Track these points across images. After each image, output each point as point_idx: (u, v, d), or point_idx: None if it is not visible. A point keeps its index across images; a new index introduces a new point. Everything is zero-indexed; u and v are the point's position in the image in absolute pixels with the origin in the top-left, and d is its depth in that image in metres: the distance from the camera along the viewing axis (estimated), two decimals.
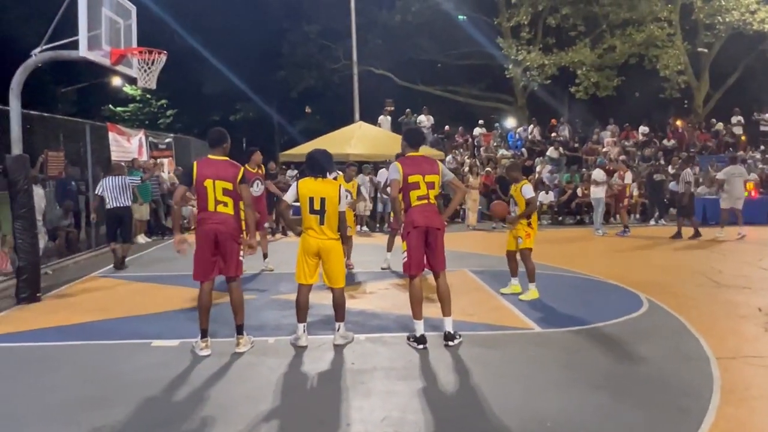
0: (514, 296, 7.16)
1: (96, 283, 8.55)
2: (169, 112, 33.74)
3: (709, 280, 8.28)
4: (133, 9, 8.17)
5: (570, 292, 7.60)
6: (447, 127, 23.26)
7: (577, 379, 4.57)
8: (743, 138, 21.14)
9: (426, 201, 5.35)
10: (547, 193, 16.45)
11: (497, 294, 7.38)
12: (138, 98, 33.19)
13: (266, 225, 10.12)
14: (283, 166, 17.63)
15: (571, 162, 19.56)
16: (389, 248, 9.34)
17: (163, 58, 7.86)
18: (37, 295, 7.31)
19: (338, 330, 5.45)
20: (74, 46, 7.00)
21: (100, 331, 5.93)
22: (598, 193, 13.73)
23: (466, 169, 16.98)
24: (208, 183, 5.10)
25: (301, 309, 5.37)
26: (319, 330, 5.75)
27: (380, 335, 5.70)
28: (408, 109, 22.56)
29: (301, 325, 5.39)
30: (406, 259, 5.38)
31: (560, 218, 16.35)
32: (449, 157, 19.07)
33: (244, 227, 5.41)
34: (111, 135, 12.77)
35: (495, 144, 21.66)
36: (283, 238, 13.07)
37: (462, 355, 5.14)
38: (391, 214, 10.94)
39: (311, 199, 5.23)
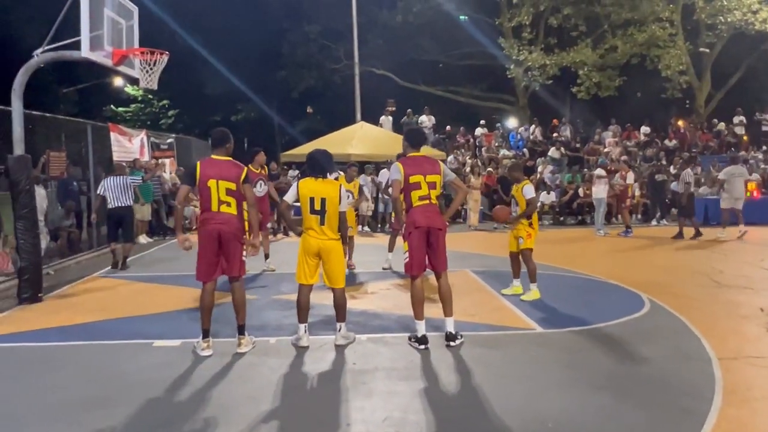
0: (516, 297, 7.16)
1: (98, 283, 8.56)
2: (170, 113, 33.80)
3: (711, 280, 8.27)
4: (135, 9, 8.18)
5: (571, 292, 7.60)
6: (448, 128, 23.27)
7: (579, 379, 4.57)
8: (745, 138, 21.12)
9: (427, 201, 5.35)
10: (548, 193, 16.45)
11: (499, 294, 7.38)
12: (139, 99, 33.26)
13: (269, 225, 10.14)
14: (285, 167, 17.65)
15: (572, 162, 19.55)
16: (390, 248, 9.35)
17: (165, 58, 7.87)
18: (39, 295, 7.31)
19: (339, 330, 5.46)
20: (76, 46, 7.01)
21: (101, 332, 5.94)
22: (599, 193, 13.72)
23: (468, 169, 16.97)
24: (212, 183, 5.11)
25: (302, 309, 5.37)
26: (320, 330, 5.75)
27: (382, 335, 5.70)
28: (409, 110, 22.56)
29: (302, 326, 5.39)
30: (407, 259, 5.38)
31: (562, 218, 16.34)
32: (451, 158, 19.07)
33: (247, 227, 5.42)
34: (113, 135, 12.79)
35: (496, 144, 21.65)
36: (285, 238, 13.07)
37: (463, 355, 5.14)
38: (392, 214, 10.96)
39: (312, 200, 5.23)
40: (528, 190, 7.08)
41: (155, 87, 8.17)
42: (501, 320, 6.25)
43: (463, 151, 20.63)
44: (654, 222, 15.61)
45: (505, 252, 7.64)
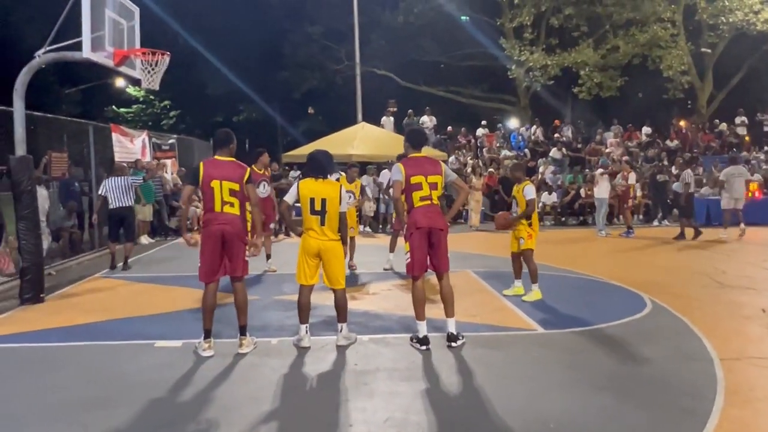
0: (517, 297, 7.16)
1: (99, 283, 8.56)
2: (172, 113, 33.80)
3: (713, 280, 8.26)
4: (136, 10, 8.20)
5: (573, 293, 7.59)
6: (450, 128, 23.26)
7: (581, 380, 4.56)
8: (747, 138, 21.10)
9: (429, 202, 5.35)
10: (550, 193, 16.43)
11: (500, 295, 7.37)
12: (141, 99, 33.27)
13: (271, 226, 10.15)
14: (286, 167, 17.65)
15: (574, 163, 19.53)
16: (392, 249, 9.35)
17: (167, 59, 7.87)
18: (41, 295, 7.32)
19: (341, 331, 5.46)
20: (78, 47, 7.02)
21: (103, 332, 5.94)
22: (601, 193, 13.71)
23: (469, 169, 16.96)
24: (215, 184, 5.12)
25: (303, 310, 5.37)
26: (321, 331, 5.75)
27: (383, 336, 5.70)
28: (410, 110, 22.56)
29: (303, 326, 5.39)
30: (408, 260, 5.38)
31: (563, 219, 16.33)
32: (452, 158, 19.06)
33: (249, 228, 5.42)
34: (114, 136, 12.81)
35: (498, 145, 21.65)
36: (286, 238, 13.07)
37: (465, 356, 5.13)
38: (394, 214, 10.96)
39: (312, 200, 5.23)
40: (528, 190, 7.08)
41: (157, 87, 8.18)
42: (502, 321, 6.25)
43: (464, 151, 20.62)
44: (656, 222, 15.60)
45: (506, 252, 7.64)
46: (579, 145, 21.14)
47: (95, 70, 22.91)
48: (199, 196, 5.46)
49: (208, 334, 5.22)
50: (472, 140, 22.09)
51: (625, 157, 17.89)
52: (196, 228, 11.70)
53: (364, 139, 16.69)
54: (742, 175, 13.16)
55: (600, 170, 14.08)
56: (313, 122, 32.14)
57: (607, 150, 19.76)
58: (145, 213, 12.72)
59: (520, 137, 22.08)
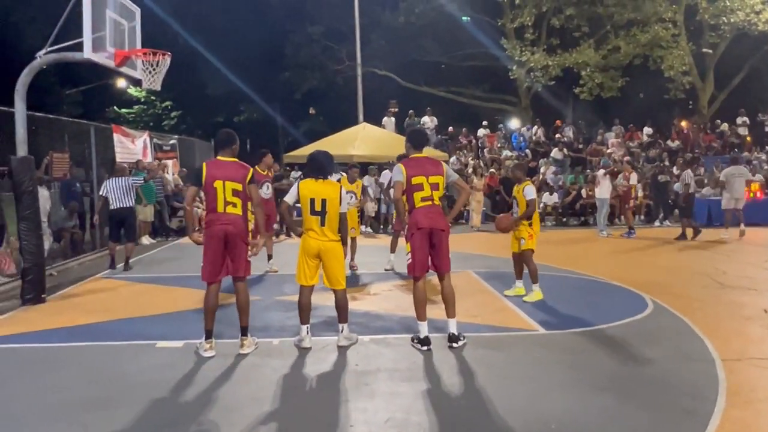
0: (518, 298, 7.15)
1: (100, 284, 8.57)
2: (173, 114, 33.82)
3: (714, 281, 8.25)
4: (138, 11, 8.20)
5: (574, 293, 7.58)
6: (451, 129, 23.25)
7: (582, 380, 4.56)
8: (748, 139, 21.08)
9: (430, 202, 5.34)
10: (551, 194, 16.42)
11: (501, 295, 7.37)
12: (142, 100, 33.30)
13: (275, 226, 10.16)
14: (287, 168, 17.65)
15: (575, 163, 19.52)
16: (392, 249, 9.35)
17: (168, 59, 7.88)
18: (42, 296, 7.33)
19: (342, 331, 5.46)
20: (79, 47, 7.03)
21: (104, 332, 5.95)
22: (602, 194, 13.71)
23: (470, 170, 16.97)
24: (218, 184, 5.13)
25: (304, 310, 5.37)
26: (322, 331, 5.75)
27: (384, 337, 5.70)
28: (411, 111, 22.55)
29: (304, 327, 5.39)
30: (409, 260, 5.38)
31: (564, 219, 16.31)
32: (453, 158, 19.06)
33: (250, 228, 5.42)
34: (115, 136, 12.82)
35: (499, 145, 21.64)
36: (287, 239, 13.07)
37: (466, 356, 5.13)
38: (394, 214, 10.96)
39: (312, 201, 5.24)
40: (529, 191, 7.07)
41: (158, 88, 8.19)
42: (504, 321, 6.25)
43: (465, 152, 20.62)
44: (657, 223, 15.59)
45: (507, 253, 7.63)
46: (580, 146, 21.13)
47: (96, 71, 22.92)
48: (202, 197, 5.46)
49: (209, 335, 5.22)
50: (473, 141, 22.08)
51: (627, 158, 17.89)
52: (197, 228, 11.68)
53: (365, 139, 16.68)
54: (742, 175, 13.15)
55: (601, 171, 14.08)
56: (314, 123, 32.15)
57: (609, 150, 19.75)
58: (146, 213, 12.73)
59: (521, 138, 22.08)
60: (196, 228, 6.37)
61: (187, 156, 17.88)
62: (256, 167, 8.35)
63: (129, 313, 6.71)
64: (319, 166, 5.38)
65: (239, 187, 5.18)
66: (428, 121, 21.89)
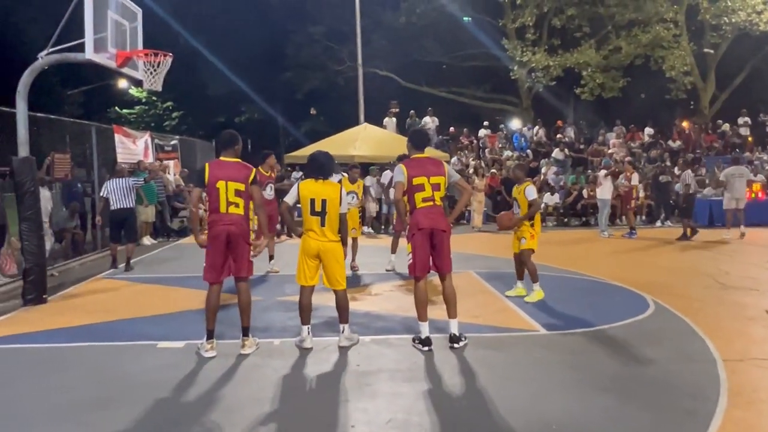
0: (520, 298, 7.15)
1: (102, 284, 8.57)
2: (174, 114, 33.85)
3: (716, 281, 8.24)
4: (139, 11, 8.21)
5: (575, 293, 7.58)
6: (452, 129, 23.25)
7: (583, 381, 4.55)
8: (750, 139, 21.06)
9: (431, 203, 5.34)
10: (552, 194, 16.41)
11: (503, 296, 7.36)
12: (144, 100, 33.34)
13: (277, 227, 10.16)
14: (288, 168, 17.65)
15: (576, 163, 19.52)
16: (393, 250, 9.34)
17: (169, 60, 7.88)
18: (44, 296, 7.33)
19: (343, 332, 5.45)
20: (80, 48, 7.03)
21: (106, 333, 5.95)
22: (603, 194, 13.70)
23: (471, 170, 16.97)
24: (221, 184, 5.14)
25: (304, 311, 5.37)
26: (324, 332, 5.75)
27: (385, 337, 5.70)
28: (412, 111, 22.55)
29: (305, 327, 5.39)
30: (410, 260, 5.37)
31: (565, 220, 16.30)
32: (454, 159, 19.06)
33: (253, 227, 5.43)
34: (117, 137, 12.83)
35: (500, 145, 21.63)
36: (288, 239, 13.07)
37: (467, 357, 5.13)
38: (394, 215, 10.96)
39: (312, 201, 5.24)
40: (530, 191, 7.07)
41: (159, 89, 8.19)
42: (505, 322, 6.24)
43: (466, 152, 20.61)
44: (658, 223, 15.57)
45: (508, 254, 7.63)
46: (581, 146, 21.13)
47: (97, 72, 22.98)
48: (204, 197, 5.47)
49: (210, 335, 5.22)
50: (475, 141, 22.07)
51: (628, 158, 17.87)
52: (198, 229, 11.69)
53: (367, 139, 16.68)
54: (743, 175, 13.14)
55: (603, 171, 14.07)
56: (315, 123, 32.15)
57: (610, 151, 19.75)
58: (147, 214, 12.74)
59: (522, 138, 22.07)
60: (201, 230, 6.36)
61: (188, 156, 17.88)
62: (260, 168, 8.36)
63: (130, 314, 6.71)
64: (320, 167, 5.38)
65: (242, 187, 5.19)
66: (429, 122, 21.87)
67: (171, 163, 15.93)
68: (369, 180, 14.48)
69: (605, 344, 5.43)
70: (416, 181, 5.32)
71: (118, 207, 9.34)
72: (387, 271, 9.13)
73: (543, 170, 18.57)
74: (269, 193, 8.71)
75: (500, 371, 4.80)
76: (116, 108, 32.77)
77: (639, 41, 22.05)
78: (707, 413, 3.92)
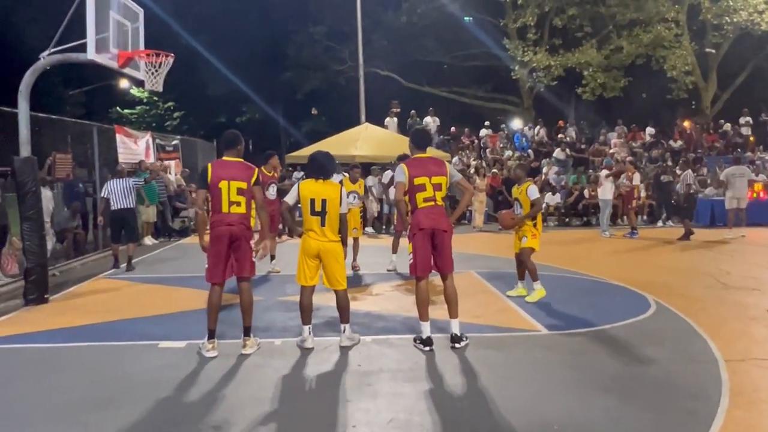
0: (521, 298, 7.14)
1: (103, 284, 8.58)
2: (175, 114, 33.87)
3: (717, 281, 8.23)
4: (141, 12, 8.21)
5: (577, 293, 7.57)
6: (453, 129, 23.25)
7: (584, 381, 4.55)
8: (751, 139, 21.03)
9: (432, 203, 5.34)
10: (553, 194, 16.40)
11: (504, 296, 7.36)
12: (145, 100, 33.36)
13: (279, 227, 10.16)
14: (289, 168, 17.66)
15: (577, 163, 19.51)
16: (394, 250, 9.34)
17: (170, 60, 7.89)
18: (45, 296, 7.34)
19: (344, 332, 5.45)
20: (82, 48, 7.04)
21: (107, 332, 5.95)
22: (605, 194, 13.69)
23: (473, 170, 16.97)
24: (223, 184, 5.15)
25: (305, 311, 5.37)
26: (325, 332, 5.75)
27: (386, 337, 5.70)
28: (413, 111, 22.55)
29: (306, 327, 5.39)
30: (411, 260, 5.37)
31: (567, 220, 16.30)
32: (455, 159, 19.05)
33: (254, 224, 5.43)
34: (118, 137, 12.84)
35: (501, 145, 21.62)
36: (290, 240, 13.08)
37: (468, 357, 5.13)
38: (395, 215, 10.96)
39: (312, 201, 5.24)
40: (533, 190, 7.06)
41: (160, 89, 8.20)
42: (506, 322, 6.24)
43: (467, 152, 20.60)
44: (660, 223, 15.56)
45: (510, 253, 7.63)
46: (583, 146, 21.11)
47: (99, 72, 22.95)
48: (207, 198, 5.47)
49: (212, 335, 5.23)
50: (476, 141, 22.07)
51: (629, 158, 17.86)
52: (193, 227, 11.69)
53: (368, 139, 16.68)
54: (744, 175, 13.12)
55: (604, 171, 14.06)
56: (317, 123, 32.16)
57: (611, 150, 19.73)
58: (148, 214, 12.75)
59: (523, 138, 22.05)
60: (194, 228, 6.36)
61: (189, 156, 17.89)
62: (262, 168, 8.37)
63: (131, 314, 6.71)
64: (320, 167, 5.38)
65: (244, 185, 5.20)
66: (430, 122, 21.87)
67: (172, 163, 15.95)
68: (371, 180, 14.48)
69: (606, 344, 5.42)
70: (417, 181, 5.31)
71: (118, 207, 9.35)
72: (388, 271, 9.13)
73: (544, 170, 18.56)
74: (272, 193, 8.72)
75: (501, 371, 4.80)
76: (118, 108, 32.80)
77: (640, 41, 22.04)
78: (709, 413, 3.92)
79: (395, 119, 21.82)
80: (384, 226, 15.23)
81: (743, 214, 12.84)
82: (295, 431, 3.84)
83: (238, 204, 5.19)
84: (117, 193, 9.34)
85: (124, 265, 9.51)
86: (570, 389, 4.39)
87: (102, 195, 9.63)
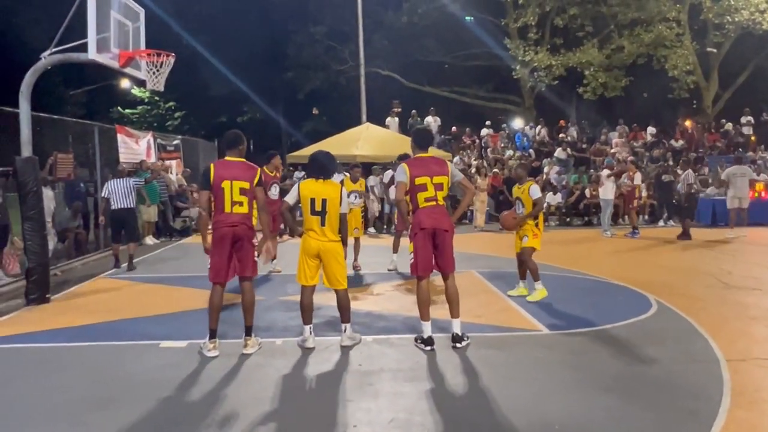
0: (522, 298, 7.14)
1: (104, 284, 8.59)
2: (177, 114, 33.87)
3: (719, 281, 8.23)
4: (142, 12, 8.21)
5: (578, 293, 7.57)
6: (454, 129, 23.24)
7: (585, 381, 4.55)
8: (753, 138, 21.01)
9: (434, 203, 5.33)
10: (554, 194, 16.39)
11: (505, 295, 7.36)
12: (146, 100, 33.36)
13: (281, 226, 10.16)
14: (291, 168, 17.67)
15: (579, 163, 19.49)
16: (395, 249, 9.34)
17: (171, 60, 7.89)
18: (46, 296, 7.34)
19: (345, 331, 5.45)
20: (83, 48, 7.04)
21: (108, 332, 5.96)
22: (606, 194, 13.68)
23: (474, 170, 16.96)
24: (226, 184, 5.15)
25: (306, 310, 5.37)
26: (326, 331, 5.76)
27: (387, 337, 5.70)
28: (414, 111, 22.55)
29: (307, 327, 5.39)
30: (412, 260, 5.37)
31: (568, 219, 16.28)
32: (456, 159, 19.05)
33: (255, 224, 5.43)
34: (119, 137, 12.85)
35: (502, 145, 21.61)
36: (291, 239, 13.08)
37: (469, 356, 5.13)
38: (396, 214, 10.96)
39: (312, 201, 5.24)
40: (534, 190, 7.06)
41: (162, 89, 8.20)
42: (507, 321, 6.24)
43: (468, 152, 20.59)
44: (661, 223, 15.55)
45: (511, 253, 7.62)
46: (584, 146, 21.08)
47: (100, 72, 23.00)
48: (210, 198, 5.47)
49: (213, 334, 5.23)
50: (477, 141, 22.06)
51: (631, 158, 17.84)
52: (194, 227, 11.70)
53: (369, 139, 16.68)
54: (745, 174, 13.11)
55: (606, 171, 14.04)
56: (318, 123, 32.16)
57: (612, 150, 19.71)
58: (150, 214, 12.76)
59: (524, 137, 22.04)
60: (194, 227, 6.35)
61: (190, 156, 17.90)
62: (264, 168, 8.37)
63: (133, 313, 6.72)
64: (320, 167, 5.38)
65: (247, 185, 5.21)
66: (431, 122, 21.85)
67: (173, 162, 15.96)
68: (372, 180, 14.47)
69: (608, 344, 5.42)
70: (419, 180, 5.31)
71: (119, 207, 9.36)
72: (389, 270, 9.13)
73: (545, 170, 18.54)
74: (274, 193, 8.71)
75: (502, 371, 4.80)
76: (119, 108, 32.80)
77: (641, 40, 22.03)
78: (710, 413, 3.91)
79: (396, 119, 21.81)
80: (385, 226, 15.23)
81: (745, 213, 12.83)
82: (296, 431, 3.84)
83: (241, 204, 5.20)
84: (117, 192, 9.35)
85: (125, 265, 9.52)
86: (571, 389, 4.39)
87: (102, 195, 9.64)
